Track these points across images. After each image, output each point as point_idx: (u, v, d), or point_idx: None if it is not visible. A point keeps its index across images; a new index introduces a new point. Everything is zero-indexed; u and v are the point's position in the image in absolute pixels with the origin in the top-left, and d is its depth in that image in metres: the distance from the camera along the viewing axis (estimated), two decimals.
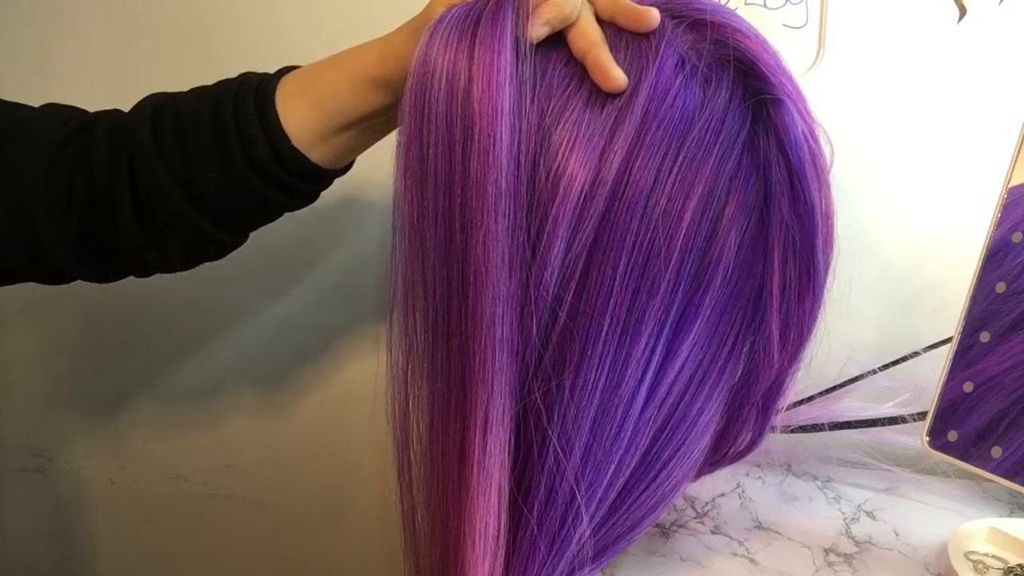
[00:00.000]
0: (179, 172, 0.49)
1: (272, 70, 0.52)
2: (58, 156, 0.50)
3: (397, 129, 0.43)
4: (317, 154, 0.50)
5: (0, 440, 0.97)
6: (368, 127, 0.51)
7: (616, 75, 0.41)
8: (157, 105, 0.51)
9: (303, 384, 0.90)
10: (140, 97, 0.53)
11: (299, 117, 0.49)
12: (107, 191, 0.49)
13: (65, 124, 0.51)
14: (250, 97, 0.49)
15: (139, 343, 0.91)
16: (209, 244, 0.53)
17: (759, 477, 0.72)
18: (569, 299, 0.41)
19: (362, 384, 0.88)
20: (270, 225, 0.56)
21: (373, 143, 0.53)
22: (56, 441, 0.96)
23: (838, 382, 0.70)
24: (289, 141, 0.49)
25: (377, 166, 0.51)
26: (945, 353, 0.59)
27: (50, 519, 1.01)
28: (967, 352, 0.58)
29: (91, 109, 0.54)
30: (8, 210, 0.49)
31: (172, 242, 0.52)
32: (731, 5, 0.63)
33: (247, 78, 0.51)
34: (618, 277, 0.41)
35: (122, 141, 0.50)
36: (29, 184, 0.49)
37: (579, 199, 0.40)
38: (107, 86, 0.81)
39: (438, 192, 0.40)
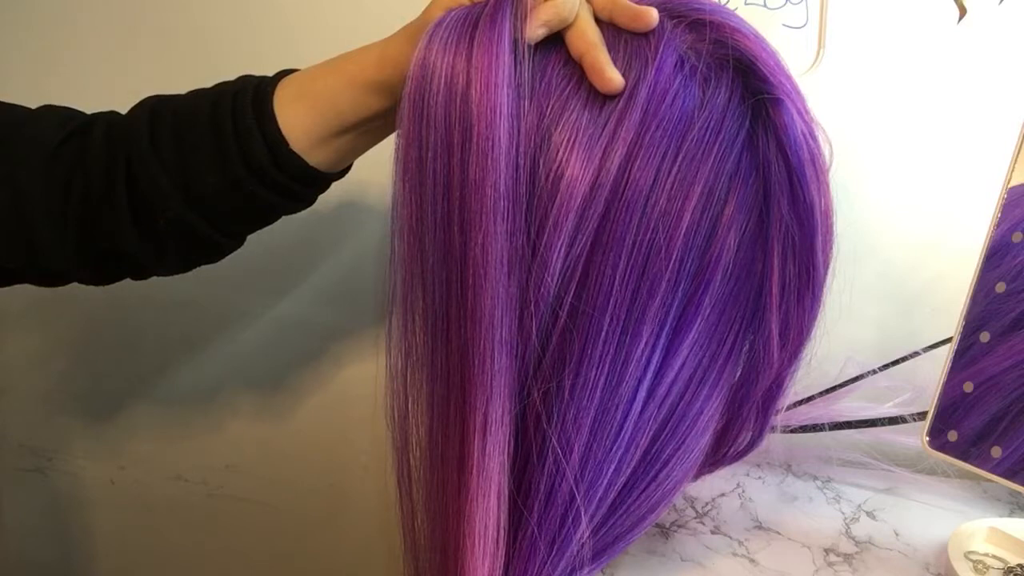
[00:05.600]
0: (176, 175, 0.49)
1: (272, 72, 0.52)
2: (55, 157, 0.49)
3: (396, 132, 0.43)
4: (315, 157, 0.50)
5: (0, 440, 0.97)
6: (367, 130, 0.51)
7: (612, 76, 0.41)
8: (155, 107, 0.51)
9: (303, 385, 0.90)
10: (140, 99, 0.53)
11: (297, 120, 0.49)
12: (104, 193, 0.49)
13: (63, 125, 0.51)
14: (248, 100, 0.49)
15: (139, 344, 0.91)
16: (206, 247, 0.53)
17: (759, 477, 0.72)
18: (569, 299, 0.41)
19: (362, 385, 0.88)
20: (272, 227, 0.56)
21: (371, 146, 0.53)
22: (56, 441, 0.96)
23: (838, 382, 0.70)
24: (287, 144, 0.49)
25: (376, 168, 0.51)
26: (945, 353, 0.59)
27: (50, 519, 1.01)
28: (967, 352, 0.58)
29: (92, 111, 0.53)
30: (5, 211, 0.49)
31: (169, 245, 0.52)
32: (731, 5, 0.63)
33: (245, 81, 0.51)
34: (618, 277, 0.41)
35: (119, 143, 0.50)
36: (26, 185, 0.49)
37: (579, 199, 0.40)
38: (108, 87, 0.81)
39: (437, 194, 0.40)
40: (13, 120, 0.50)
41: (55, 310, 0.91)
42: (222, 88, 0.51)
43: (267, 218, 0.54)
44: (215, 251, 0.54)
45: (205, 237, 0.52)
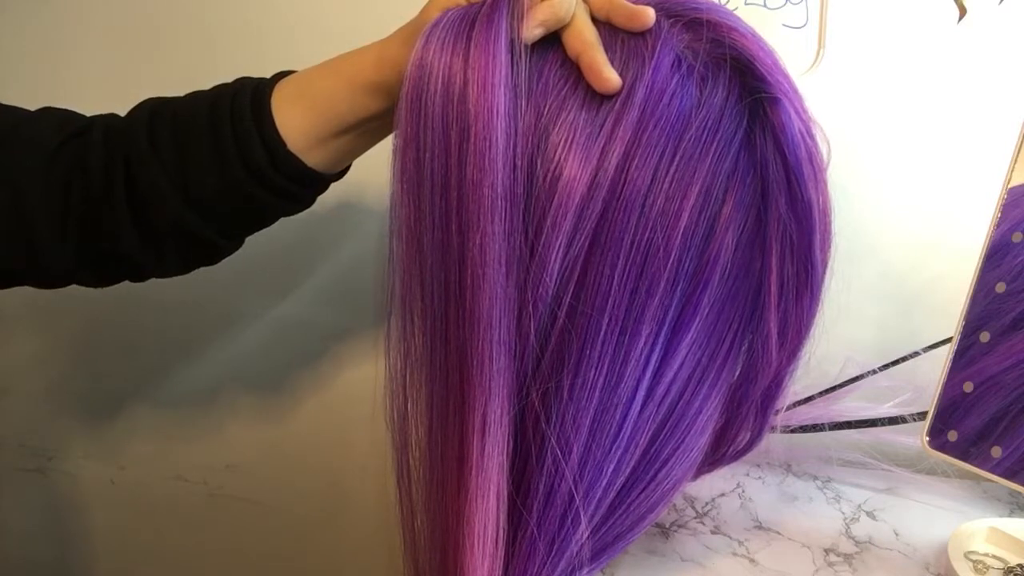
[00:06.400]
0: (176, 176, 0.49)
1: (270, 73, 0.52)
2: (55, 159, 0.50)
3: (394, 132, 0.43)
4: (313, 158, 0.50)
5: (0, 441, 0.97)
6: (365, 131, 0.51)
7: (609, 76, 0.40)
8: (154, 109, 0.51)
9: (303, 385, 0.90)
10: (139, 101, 0.53)
11: (295, 122, 0.49)
12: (103, 194, 0.49)
13: (62, 128, 0.51)
14: (246, 101, 0.49)
15: (139, 344, 0.91)
16: (205, 249, 0.53)
17: (759, 477, 0.72)
18: (567, 299, 0.41)
19: (361, 385, 0.88)
20: (270, 228, 0.56)
21: (370, 147, 0.53)
22: (56, 441, 0.96)
23: (838, 382, 0.70)
24: (285, 145, 0.49)
25: (375, 169, 0.51)
26: (945, 353, 0.59)
27: (50, 519, 1.01)
28: (967, 352, 0.58)
29: (93, 112, 0.54)
30: (5, 213, 0.49)
31: (168, 246, 0.52)
32: (730, 5, 0.63)
33: (243, 83, 0.51)
34: (616, 277, 0.41)
35: (119, 145, 0.50)
36: (26, 187, 0.49)
37: (577, 199, 0.40)
38: (109, 89, 0.81)
39: (435, 195, 0.40)
40: (13, 122, 0.51)
41: (55, 311, 0.91)
42: (220, 90, 0.51)
43: (265, 219, 0.54)
44: (214, 253, 0.55)
45: (204, 238, 0.52)
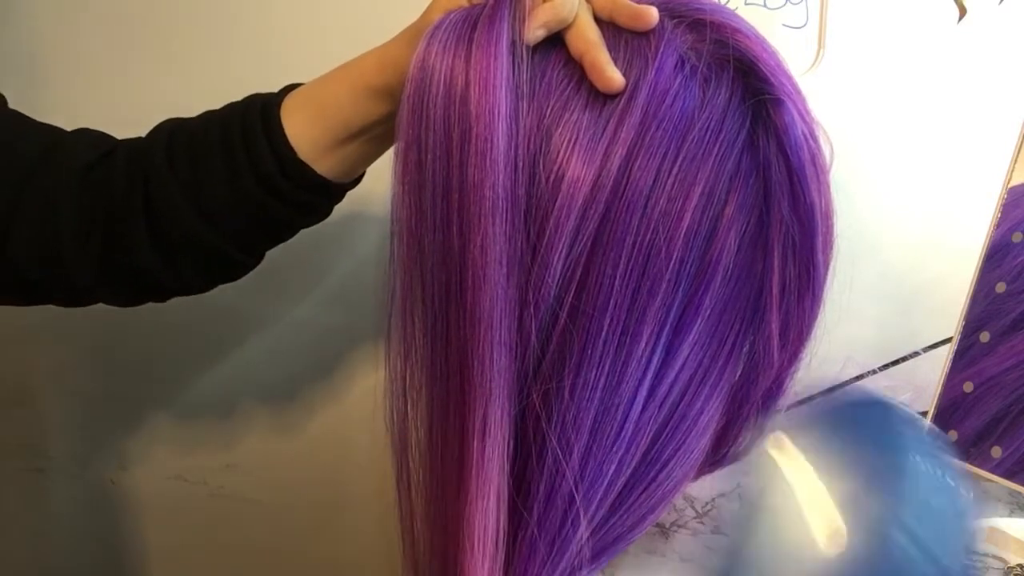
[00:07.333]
0: (189, 191, 0.50)
1: (281, 84, 0.53)
2: (86, 178, 0.51)
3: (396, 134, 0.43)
4: (324, 166, 0.51)
5: (1, 440, 0.97)
6: (373, 136, 0.51)
7: (612, 76, 0.40)
8: (172, 129, 0.53)
9: (303, 386, 0.90)
10: (141, 113, 0.55)
11: (304, 130, 0.50)
12: (122, 211, 0.51)
13: (95, 148, 0.53)
14: (256, 114, 0.50)
15: (139, 343, 0.91)
16: (222, 263, 0.54)
17: None
18: (569, 300, 0.41)
19: (362, 385, 0.88)
20: None
21: (380, 154, 0.53)
22: (57, 441, 0.96)
23: (838, 382, 0.70)
24: (295, 154, 0.50)
25: (380, 173, 0.51)
26: (945, 353, 0.59)
27: (50, 519, 1.01)
28: (967, 352, 0.58)
29: (94, 122, 0.55)
30: (39, 225, 0.51)
31: (183, 260, 0.53)
32: (731, 5, 0.63)
33: (253, 98, 0.52)
34: (618, 277, 0.41)
35: (139, 162, 0.52)
36: (59, 203, 0.51)
37: (580, 200, 0.40)
38: (124, 98, 0.81)
39: (436, 196, 0.40)
40: (52, 141, 0.53)
41: (58, 312, 0.90)
42: (232, 107, 0.53)
43: (282, 232, 0.55)
44: (234, 267, 0.55)
45: (220, 252, 0.52)
